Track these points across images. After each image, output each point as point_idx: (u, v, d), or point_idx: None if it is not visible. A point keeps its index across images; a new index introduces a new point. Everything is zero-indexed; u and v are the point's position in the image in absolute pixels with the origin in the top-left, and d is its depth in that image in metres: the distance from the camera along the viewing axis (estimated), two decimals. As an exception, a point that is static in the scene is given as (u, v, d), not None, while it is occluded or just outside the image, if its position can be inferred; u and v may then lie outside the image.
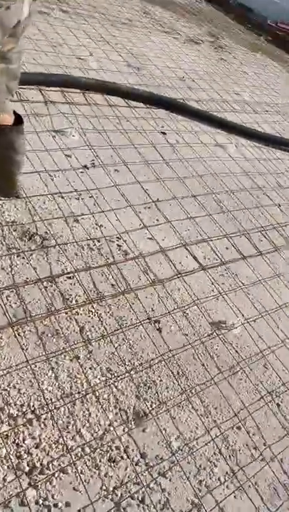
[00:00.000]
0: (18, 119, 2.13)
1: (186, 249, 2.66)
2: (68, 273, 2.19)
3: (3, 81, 1.81)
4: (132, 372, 1.91)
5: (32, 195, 2.53)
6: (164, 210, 2.87)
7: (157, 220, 2.78)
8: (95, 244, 2.41)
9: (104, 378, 1.84)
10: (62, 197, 2.61)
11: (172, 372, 1.99)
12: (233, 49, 6.69)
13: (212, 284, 2.52)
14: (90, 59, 4.22)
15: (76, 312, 2.04)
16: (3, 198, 2.44)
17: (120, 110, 3.64)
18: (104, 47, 4.58)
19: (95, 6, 5.41)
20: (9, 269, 2.09)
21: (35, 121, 3.11)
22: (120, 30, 5.13)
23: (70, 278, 2.18)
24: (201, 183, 3.33)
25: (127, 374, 1.89)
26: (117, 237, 2.51)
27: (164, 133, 3.65)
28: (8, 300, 1.97)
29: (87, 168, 2.90)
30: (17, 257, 2.17)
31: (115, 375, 1.87)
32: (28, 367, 1.76)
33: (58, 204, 2.55)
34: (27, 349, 1.82)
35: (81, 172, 2.85)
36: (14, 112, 2.12)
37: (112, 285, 2.23)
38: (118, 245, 2.47)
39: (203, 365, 2.09)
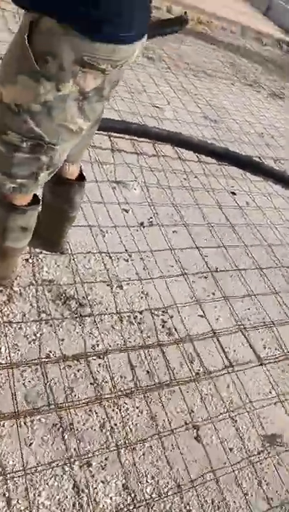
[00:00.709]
0: (81, 175, 1.92)
1: (243, 334, 2.26)
2: (98, 352, 1.87)
3: (91, 125, 1.61)
4: (153, 495, 1.52)
5: (77, 251, 2.29)
6: (223, 283, 2.51)
7: (213, 293, 2.41)
8: (136, 317, 2.09)
9: (118, 499, 1.47)
10: (111, 257, 2.34)
11: (206, 501, 1.57)
12: None
13: (270, 383, 2.08)
14: (166, 108, 4.05)
15: (99, 403, 1.70)
16: (45, 252, 2.21)
17: (190, 165, 3.37)
18: (183, 96, 4.41)
19: (180, 54, 5.32)
20: (33, 338, 1.82)
21: (97, 169, 2.92)
22: (202, 80, 4.96)
23: (99, 357, 1.86)
24: (270, 253, 2.93)
25: (147, 498, 1.51)
26: (163, 311, 2.17)
27: (233, 193, 3.32)
28: (22, 377, 1.68)
29: (143, 227, 2.63)
30: (45, 323, 1.90)
31: (132, 496, 1.49)
32: (26, 472, 1.43)
33: (105, 265, 2.28)
34: (30, 444, 1.51)
35: (136, 230, 2.58)
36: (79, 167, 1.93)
37: (148, 372, 1.88)
38: (163, 321, 2.13)
39: (246, 494, 1.65)
